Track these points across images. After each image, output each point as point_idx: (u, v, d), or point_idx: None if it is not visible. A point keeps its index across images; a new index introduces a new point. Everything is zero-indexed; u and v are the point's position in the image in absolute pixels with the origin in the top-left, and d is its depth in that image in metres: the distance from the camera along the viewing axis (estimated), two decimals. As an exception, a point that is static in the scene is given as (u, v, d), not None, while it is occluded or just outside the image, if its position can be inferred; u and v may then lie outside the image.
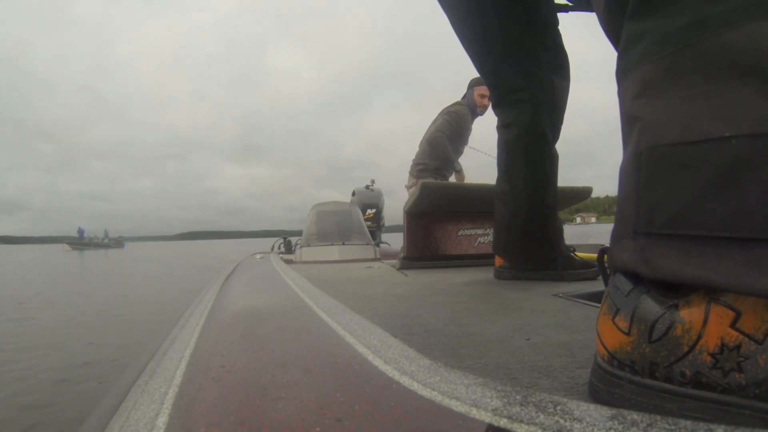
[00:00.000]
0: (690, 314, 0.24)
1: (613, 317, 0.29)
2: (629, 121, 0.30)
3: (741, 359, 0.22)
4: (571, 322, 0.54)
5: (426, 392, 0.28)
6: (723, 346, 0.23)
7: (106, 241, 37.20)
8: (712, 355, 0.23)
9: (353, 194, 4.12)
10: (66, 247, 33.71)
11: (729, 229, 0.23)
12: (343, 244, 2.54)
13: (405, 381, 0.30)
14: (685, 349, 0.24)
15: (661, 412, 0.25)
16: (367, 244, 2.57)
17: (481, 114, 2.68)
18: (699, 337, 0.24)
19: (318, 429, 0.24)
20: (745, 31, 0.24)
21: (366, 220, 3.49)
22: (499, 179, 1.01)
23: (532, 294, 0.78)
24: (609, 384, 0.28)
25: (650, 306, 0.26)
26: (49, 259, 16.88)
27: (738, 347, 0.23)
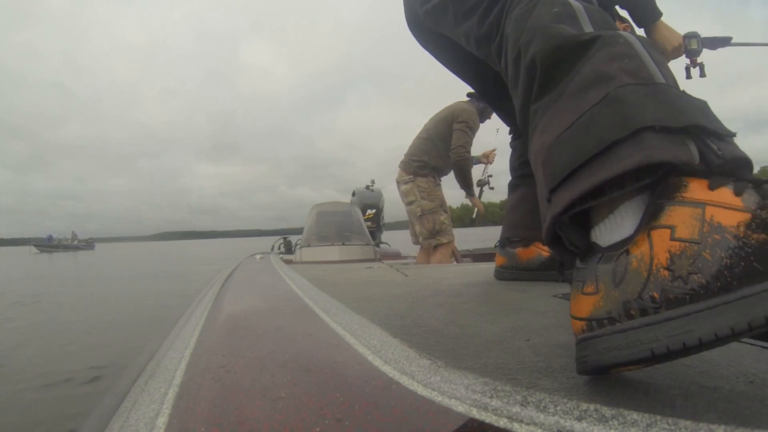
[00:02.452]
0: (638, 249, 0.29)
1: (582, 289, 0.31)
2: (536, 154, 0.42)
3: (691, 260, 0.26)
4: (570, 323, 0.54)
5: (426, 392, 0.28)
6: (672, 256, 0.27)
7: (74, 242, 36.02)
8: (668, 269, 0.27)
9: (353, 194, 4.11)
10: (33, 249, 32.55)
11: (599, 146, 0.33)
12: (343, 244, 2.54)
13: (405, 381, 0.30)
14: (645, 274, 0.28)
15: (650, 351, 0.26)
16: (367, 244, 2.57)
17: (489, 118, 2.62)
18: (651, 259, 0.28)
19: (318, 429, 0.24)
20: (581, 73, 0.40)
21: (366, 220, 3.49)
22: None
23: (532, 294, 0.78)
24: (595, 347, 0.30)
25: (607, 263, 0.31)
26: (12, 263, 16.06)
27: (684, 252, 0.27)
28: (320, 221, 2.85)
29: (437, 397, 0.27)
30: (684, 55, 1.03)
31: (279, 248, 3.43)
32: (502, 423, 0.24)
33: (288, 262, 1.99)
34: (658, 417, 0.22)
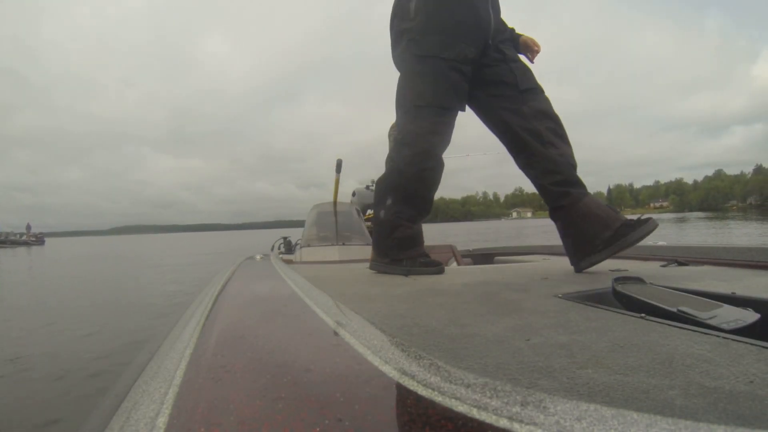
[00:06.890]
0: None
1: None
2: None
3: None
4: (570, 323, 0.54)
5: (426, 392, 0.28)
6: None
7: (24, 238, 32.93)
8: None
9: (353, 194, 4.11)
10: None
11: None
12: (343, 244, 2.54)
13: (405, 381, 0.30)
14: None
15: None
16: (367, 244, 2.57)
17: None
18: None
19: (318, 429, 0.24)
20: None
21: (366, 220, 3.49)
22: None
23: (532, 295, 0.78)
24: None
25: None
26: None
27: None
28: (320, 221, 2.85)
29: (437, 397, 0.27)
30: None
31: (279, 248, 3.43)
32: (502, 423, 0.23)
33: (288, 262, 1.99)
34: (658, 417, 0.22)
